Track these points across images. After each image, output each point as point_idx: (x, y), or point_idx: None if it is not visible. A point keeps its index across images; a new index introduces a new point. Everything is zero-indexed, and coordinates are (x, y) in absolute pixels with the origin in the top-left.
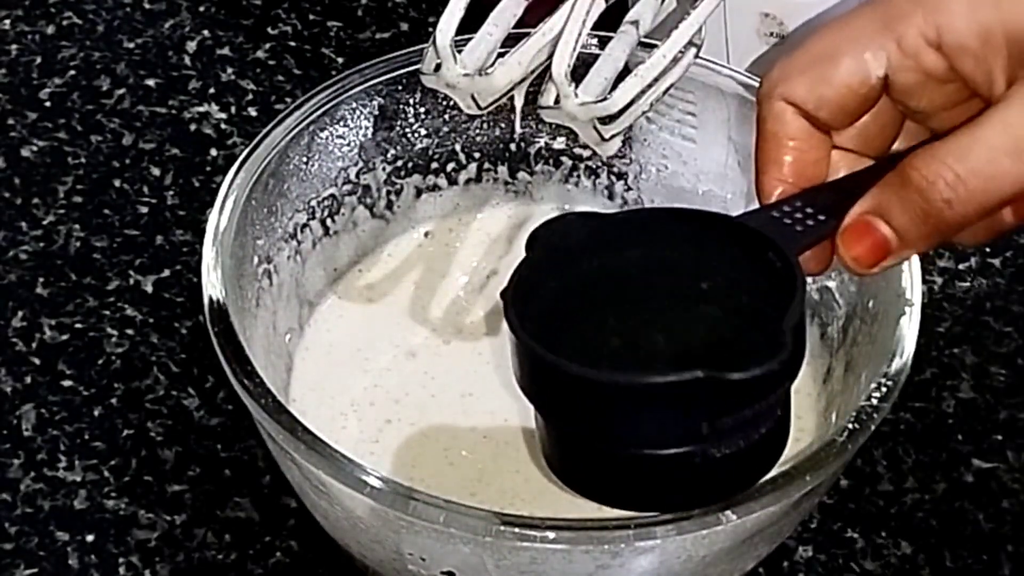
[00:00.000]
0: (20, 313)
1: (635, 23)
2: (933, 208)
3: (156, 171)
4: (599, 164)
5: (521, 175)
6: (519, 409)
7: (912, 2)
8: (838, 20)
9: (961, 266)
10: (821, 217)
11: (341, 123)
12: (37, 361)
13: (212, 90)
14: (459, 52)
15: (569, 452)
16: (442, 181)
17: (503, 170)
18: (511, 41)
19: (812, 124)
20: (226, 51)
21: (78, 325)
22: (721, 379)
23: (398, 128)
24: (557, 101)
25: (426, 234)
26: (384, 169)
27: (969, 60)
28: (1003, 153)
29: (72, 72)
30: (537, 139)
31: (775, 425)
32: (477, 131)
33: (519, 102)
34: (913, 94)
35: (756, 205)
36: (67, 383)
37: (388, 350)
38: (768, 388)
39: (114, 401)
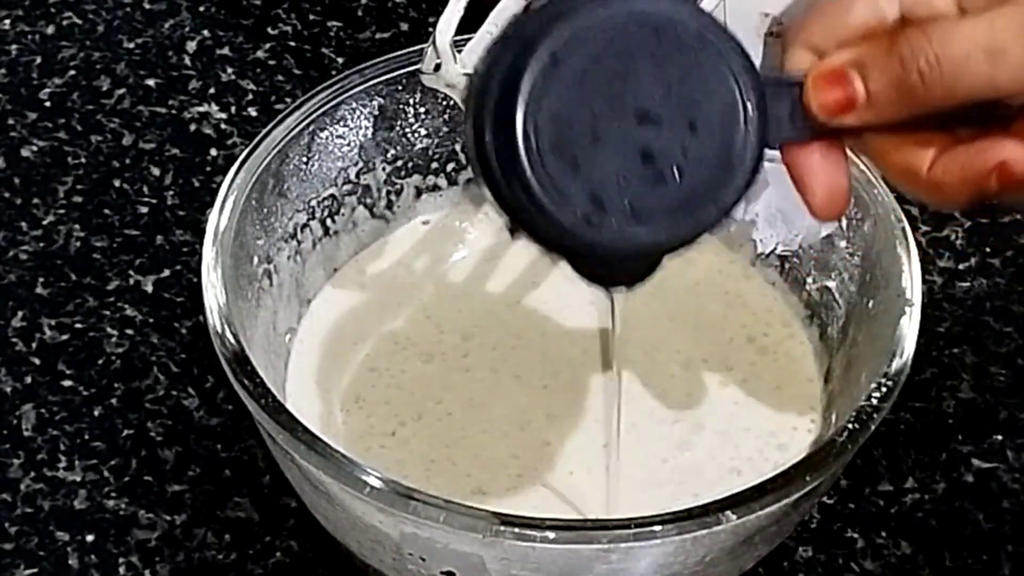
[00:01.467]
0: (20, 313)
1: None
2: (908, 78)
3: (156, 171)
4: None
5: None
6: (521, 393)
7: None
8: None
9: (961, 266)
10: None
11: (341, 123)
12: (37, 361)
13: (212, 90)
14: (459, 52)
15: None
16: (442, 181)
17: None
18: None
19: None
20: (226, 51)
21: (78, 325)
22: None
23: (398, 128)
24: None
25: (424, 222)
26: (384, 169)
27: None
28: (979, 48)
29: (72, 72)
30: None
31: None
32: None
33: None
34: None
35: (755, 206)
36: (67, 383)
37: (386, 336)
38: None
39: (114, 401)
